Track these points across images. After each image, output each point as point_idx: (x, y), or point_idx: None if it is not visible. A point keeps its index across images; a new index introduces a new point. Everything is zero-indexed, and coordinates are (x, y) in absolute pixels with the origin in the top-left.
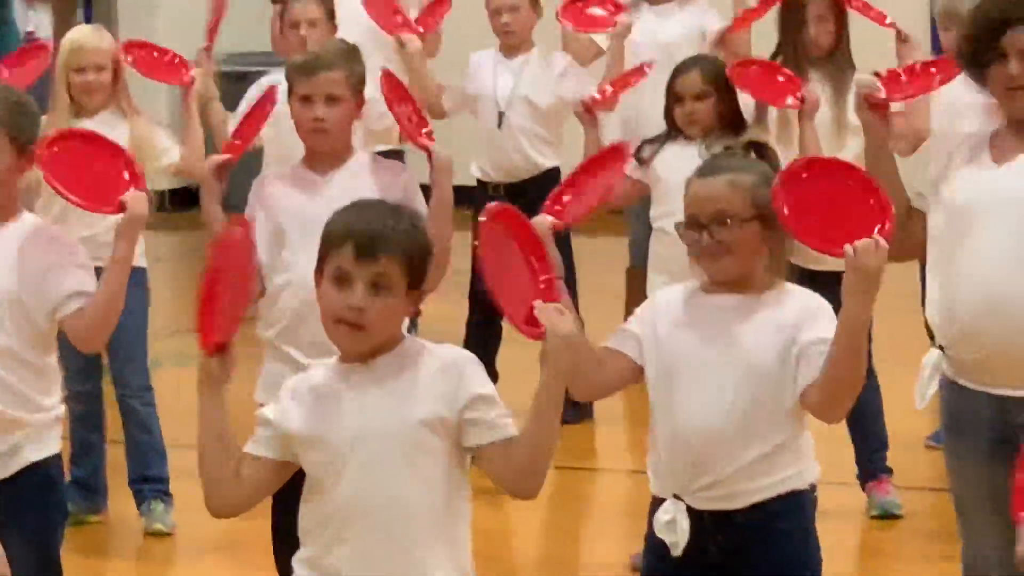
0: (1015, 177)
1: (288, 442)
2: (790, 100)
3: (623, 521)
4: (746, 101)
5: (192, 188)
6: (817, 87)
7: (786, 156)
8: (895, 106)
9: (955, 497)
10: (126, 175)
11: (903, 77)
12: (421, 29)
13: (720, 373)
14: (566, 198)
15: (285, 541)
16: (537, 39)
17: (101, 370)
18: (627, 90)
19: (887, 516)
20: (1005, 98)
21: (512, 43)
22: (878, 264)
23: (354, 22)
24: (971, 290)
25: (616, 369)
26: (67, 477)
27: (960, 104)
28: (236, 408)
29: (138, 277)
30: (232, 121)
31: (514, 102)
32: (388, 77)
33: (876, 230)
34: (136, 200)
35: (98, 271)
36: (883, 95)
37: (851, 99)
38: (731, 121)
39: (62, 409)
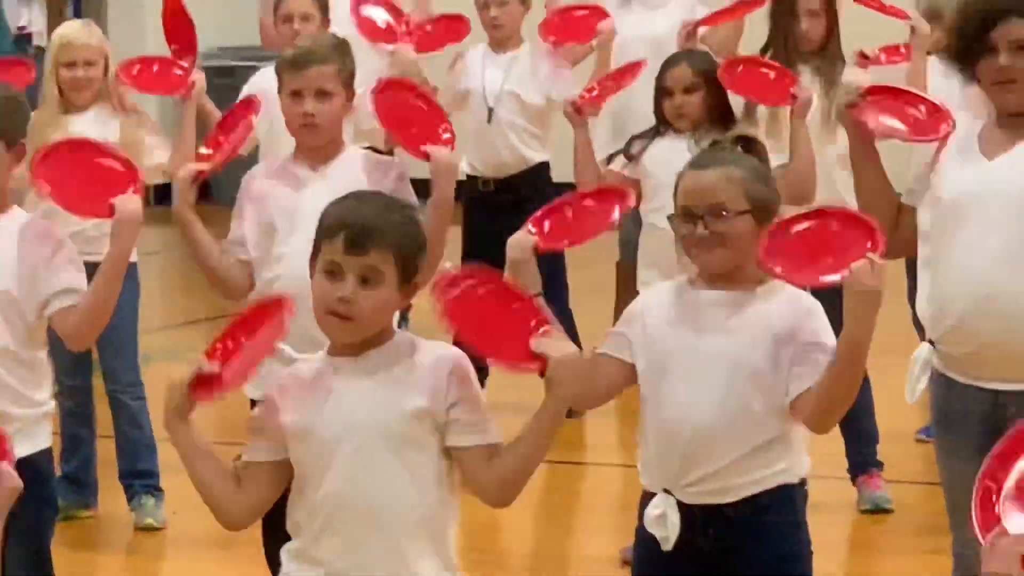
0: (1005, 171)
1: (283, 438)
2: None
3: (613, 515)
4: (735, 95)
5: None
6: (808, 81)
7: (774, 151)
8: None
9: (945, 491)
10: (122, 175)
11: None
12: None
13: (710, 368)
14: (547, 223)
15: (275, 535)
16: (526, 35)
17: (91, 365)
18: (615, 93)
19: (877, 510)
20: (994, 92)
21: (500, 37)
22: (877, 283)
23: (348, 18)
24: (962, 284)
25: (612, 375)
26: (57, 472)
27: (945, 98)
28: (230, 405)
29: (128, 271)
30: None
31: (503, 98)
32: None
33: (868, 248)
34: (126, 202)
35: (87, 266)
36: (863, 103)
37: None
38: (720, 115)
39: (52, 404)
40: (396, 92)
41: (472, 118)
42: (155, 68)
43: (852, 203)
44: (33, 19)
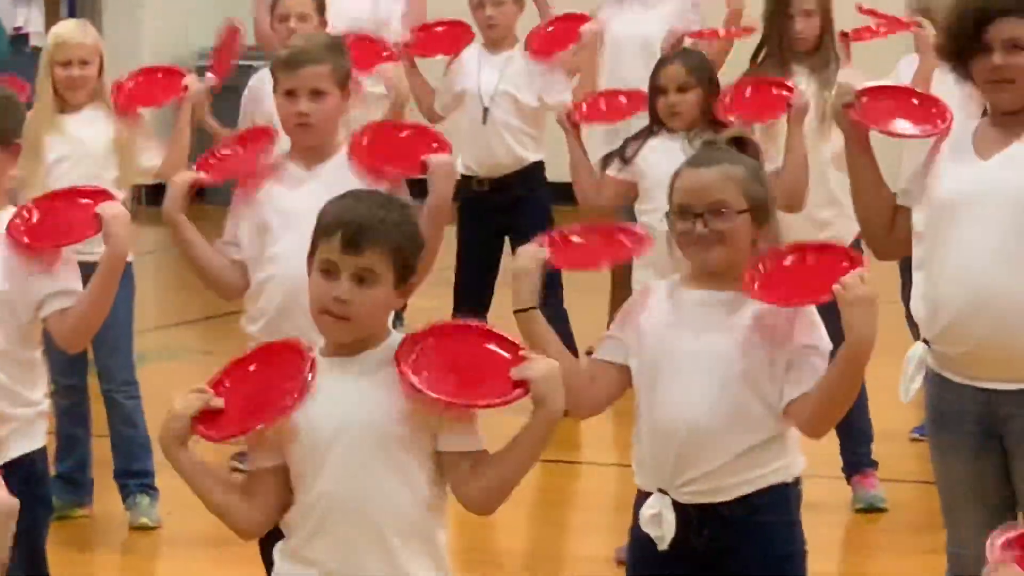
0: (1000, 170)
1: (281, 440)
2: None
3: (608, 515)
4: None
5: None
6: (802, 81)
7: (768, 152)
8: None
9: (940, 490)
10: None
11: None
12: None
13: (705, 368)
14: (556, 246)
15: (270, 535)
16: (521, 36)
17: (86, 364)
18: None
19: (872, 510)
20: (989, 91)
21: (495, 37)
22: (869, 292)
23: (345, 18)
24: (957, 284)
25: (609, 380)
26: (52, 471)
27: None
28: None
29: (124, 271)
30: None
31: (497, 98)
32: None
33: (848, 264)
34: (109, 208)
35: (84, 266)
36: (858, 105)
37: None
38: (714, 115)
39: (48, 403)
40: (375, 135)
41: (467, 118)
42: (159, 76)
43: (846, 202)
44: (30, 19)
